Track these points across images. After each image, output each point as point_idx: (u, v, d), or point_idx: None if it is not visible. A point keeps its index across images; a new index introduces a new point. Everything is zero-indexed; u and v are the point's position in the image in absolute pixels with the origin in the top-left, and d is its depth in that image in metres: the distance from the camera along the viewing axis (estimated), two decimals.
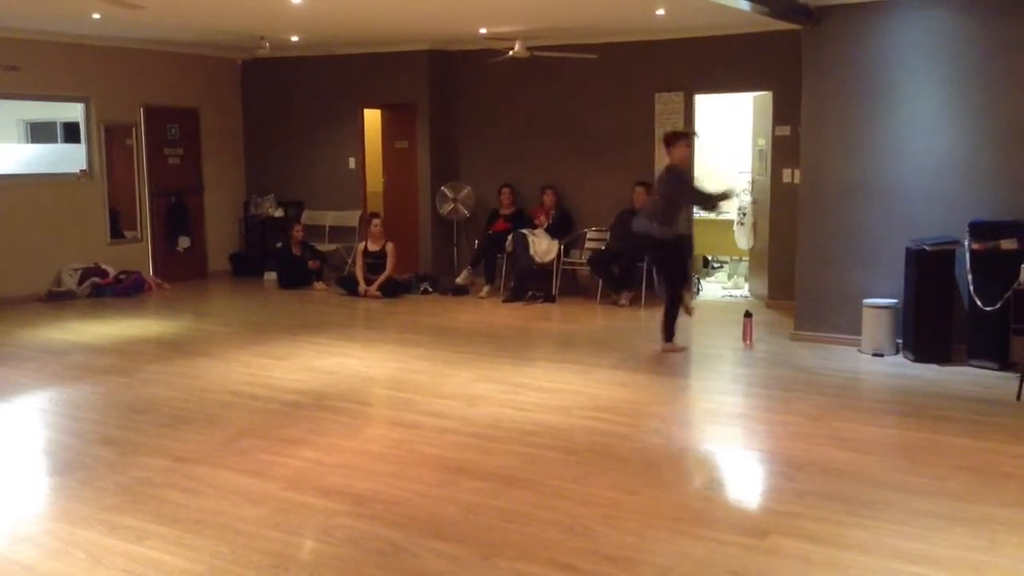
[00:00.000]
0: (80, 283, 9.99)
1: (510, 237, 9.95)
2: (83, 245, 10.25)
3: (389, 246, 10.11)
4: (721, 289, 10.50)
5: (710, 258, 11.38)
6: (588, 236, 9.99)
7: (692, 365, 7.15)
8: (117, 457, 4.72)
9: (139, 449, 4.84)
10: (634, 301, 9.39)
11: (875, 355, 7.00)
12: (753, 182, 9.80)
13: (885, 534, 3.71)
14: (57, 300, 9.76)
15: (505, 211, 10.36)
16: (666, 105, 9.65)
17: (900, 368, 6.70)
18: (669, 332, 7.28)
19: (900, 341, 7.05)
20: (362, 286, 10.02)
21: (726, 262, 11.27)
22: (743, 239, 9.86)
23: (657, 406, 5.78)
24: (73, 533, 3.75)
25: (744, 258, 10.57)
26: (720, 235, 10.50)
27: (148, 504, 4.04)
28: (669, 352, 7.18)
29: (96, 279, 10.07)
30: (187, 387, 6.19)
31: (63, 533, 3.76)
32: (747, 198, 9.81)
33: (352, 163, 11.44)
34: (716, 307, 9.47)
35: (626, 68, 9.85)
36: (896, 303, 7.04)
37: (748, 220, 9.70)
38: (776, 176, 9.15)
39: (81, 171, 10.43)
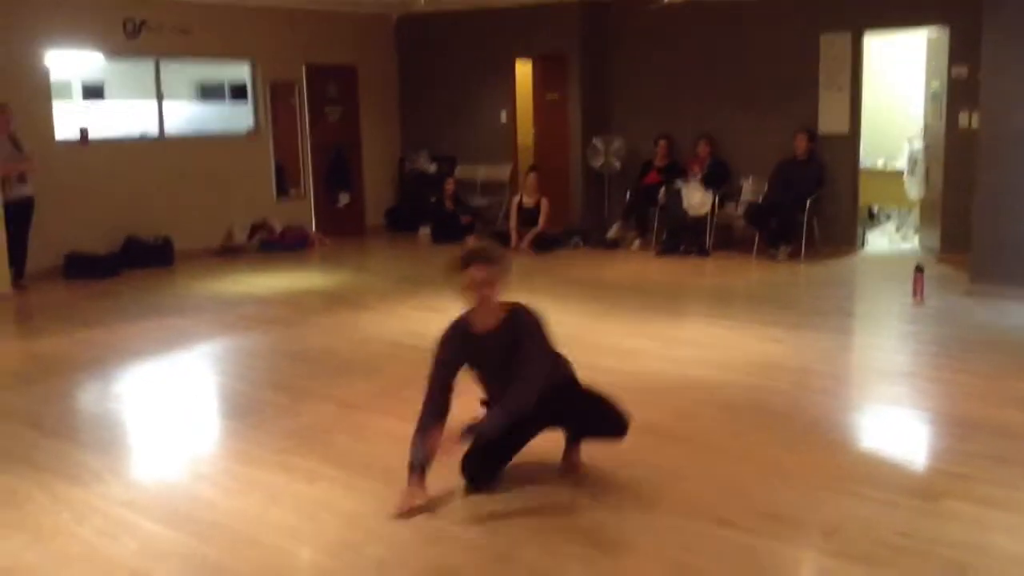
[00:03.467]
0: (249, 238, 10.52)
1: (663, 189, 9.78)
2: (252, 201, 10.75)
3: (543, 201, 10.13)
4: (889, 242, 10.00)
5: (876, 209, 10.84)
6: (745, 187, 9.69)
7: (856, 321, 6.87)
8: (287, 403, 4.96)
9: (307, 396, 5.07)
10: (793, 255, 9.07)
11: None
12: (926, 127, 9.23)
13: None
14: (229, 254, 10.31)
15: (659, 163, 10.18)
16: (831, 48, 9.17)
17: None
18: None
19: None
20: (514, 240, 10.09)
21: (894, 213, 10.71)
22: (913, 189, 9.33)
23: (818, 363, 5.58)
24: (250, 473, 3.97)
25: (914, 209, 10.01)
26: (888, 185, 9.97)
27: (318, 448, 4.23)
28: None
29: (264, 234, 10.57)
30: (350, 338, 6.42)
31: (241, 473, 3.99)
32: (919, 145, 9.26)
33: (504, 116, 11.47)
34: (883, 260, 9.04)
35: (788, 8, 9.40)
36: None
37: (919, 168, 9.16)
38: (951, 121, 8.57)
39: (249, 129, 10.92)
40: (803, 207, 8.99)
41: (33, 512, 3.60)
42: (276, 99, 11.09)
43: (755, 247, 9.30)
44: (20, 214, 8.29)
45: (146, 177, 9.86)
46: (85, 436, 4.60)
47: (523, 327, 3.50)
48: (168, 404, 5.09)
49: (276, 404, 4.96)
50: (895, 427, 4.54)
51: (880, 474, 3.87)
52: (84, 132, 9.53)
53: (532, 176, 10.27)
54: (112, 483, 3.91)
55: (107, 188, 9.53)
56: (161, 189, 9.96)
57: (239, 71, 11.63)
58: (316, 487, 3.79)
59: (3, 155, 8.08)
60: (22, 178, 8.30)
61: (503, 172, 11.49)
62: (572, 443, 3.89)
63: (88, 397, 5.33)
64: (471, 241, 3.51)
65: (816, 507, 3.50)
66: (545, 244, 10.06)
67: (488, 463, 3.65)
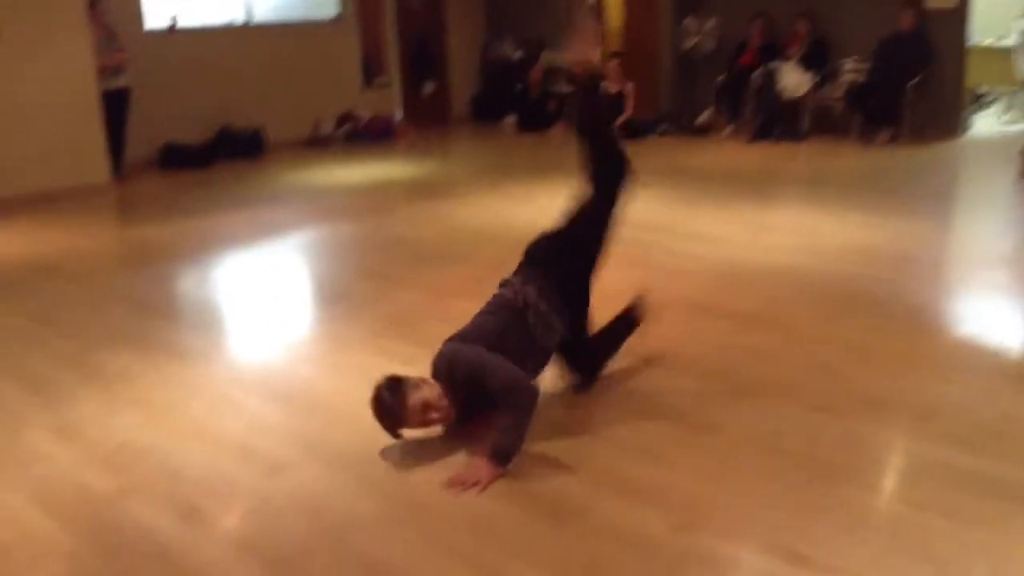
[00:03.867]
0: (337, 128, 10.59)
1: (757, 72, 9.43)
2: (338, 91, 10.78)
3: (629, 86, 9.89)
4: (995, 124, 9.51)
5: (983, 90, 10.29)
6: (845, 68, 9.27)
7: (959, 207, 6.61)
8: (378, 290, 5.06)
9: (397, 283, 5.16)
10: (893, 139, 8.72)
11: None
12: None
13: None
14: (316, 145, 10.41)
15: (754, 43, 9.79)
16: None
17: None
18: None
19: None
20: None
21: (1003, 94, 10.16)
22: None
23: (917, 250, 5.41)
24: (346, 356, 4.10)
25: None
26: (997, 64, 9.42)
27: (410, 332, 4.32)
28: None
29: (351, 124, 10.62)
30: (437, 226, 6.48)
31: (337, 355, 4.12)
32: None
33: None
34: (989, 144, 8.62)
35: None
36: None
37: None
38: None
39: (335, 15, 10.84)
40: (906, 88, 8.57)
41: (146, 389, 3.80)
42: None
43: (854, 131, 8.96)
44: (118, 105, 8.50)
45: (235, 67, 9.94)
46: (190, 319, 4.80)
47: (465, 379, 3.13)
48: (264, 290, 5.25)
49: (367, 291, 5.06)
50: (995, 313, 4.40)
51: (979, 360, 3.77)
52: (173, 21, 9.61)
53: (614, 63, 10.01)
54: (217, 362, 4.08)
55: (198, 78, 9.65)
56: (250, 78, 10.04)
57: None
58: (411, 368, 3.86)
59: (99, 46, 8.23)
60: (119, 69, 8.48)
61: None
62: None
63: (191, 282, 5.53)
64: (378, 405, 3.12)
65: (913, 392, 3.44)
66: (633, 131, 9.87)
67: (587, 357, 3.59)
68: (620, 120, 9.84)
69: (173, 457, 3.19)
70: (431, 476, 2.99)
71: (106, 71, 8.33)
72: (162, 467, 3.12)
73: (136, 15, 9.21)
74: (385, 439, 3.26)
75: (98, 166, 8.26)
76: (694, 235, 5.87)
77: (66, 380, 3.92)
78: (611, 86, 9.96)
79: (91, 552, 2.64)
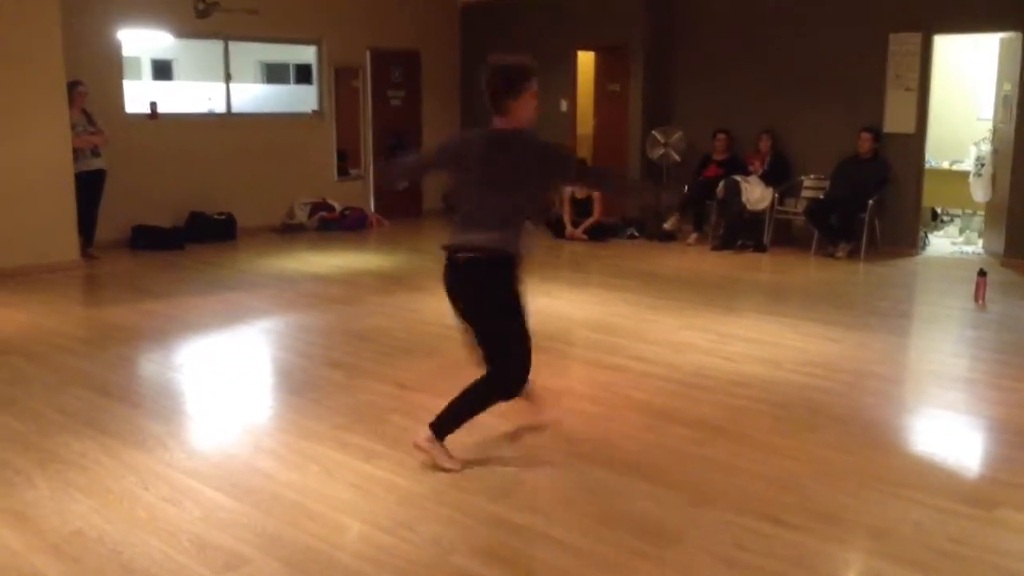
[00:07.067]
0: (310, 217, 10.69)
1: (722, 183, 9.72)
2: (313, 181, 10.92)
3: (595, 192, 10.12)
4: (951, 244, 9.83)
5: (939, 211, 10.67)
6: (805, 184, 9.60)
7: (915, 324, 6.78)
8: (345, 380, 5.06)
9: (365, 374, 5.17)
10: (852, 254, 8.98)
11: None
12: (995, 131, 9.06)
13: None
14: (289, 232, 10.49)
15: (718, 156, 10.12)
16: (901, 47, 9.03)
17: None
18: (452, 421, 3.83)
19: None
20: (568, 229, 10.12)
21: (958, 215, 10.53)
22: (979, 191, 9.15)
23: (875, 365, 5.54)
24: (308, 447, 4.08)
25: (979, 212, 9.83)
26: (953, 187, 9.80)
27: (374, 426, 4.32)
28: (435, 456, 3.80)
29: (324, 214, 10.73)
30: (407, 319, 6.52)
31: (299, 447, 4.09)
32: (987, 148, 9.09)
33: (564, 106, 11.48)
34: (945, 263, 8.90)
35: (858, 4, 9.27)
36: None
37: (987, 171, 8.98)
38: (1021, 124, 8.40)
39: (313, 111, 11.07)
40: (865, 206, 8.88)
41: (101, 476, 3.74)
42: (340, 82, 11.23)
43: (814, 245, 9.21)
44: (92, 185, 8.54)
45: (212, 154, 10.07)
46: (150, 404, 4.75)
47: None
48: (229, 376, 5.23)
49: (333, 381, 5.06)
50: (952, 433, 4.49)
51: (934, 480, 3.84)
52: (154, 105, 9.76)
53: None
54: (175, 451, 4.04)
55: (174, 163, 9.76)
56: (226, 166, 10.17)
57: (304, 53, 11.79)
58: (372, 464, 3.87)
59: (77, 129, 8.32)
60: (95, 151, 8.56)
61: None
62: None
63: (153, 366, 5.49)
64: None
65: (868, 509, 3.49)
66: (600, 233, 10.07)
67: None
68: (587, 224, 10.05)
69: (126, 548, 3.13)
70: None
71: (83, 152, 8.40)
72: (114, 558, 3.06)
73: (117, 98, 9.34)
74: (346, 542, 3.23)
75: (68, 245, 8.24)
76: (656, 340, 5.96)
77: (20, 463, 3.86)
78: (578, 192, 10.20)
79: None
